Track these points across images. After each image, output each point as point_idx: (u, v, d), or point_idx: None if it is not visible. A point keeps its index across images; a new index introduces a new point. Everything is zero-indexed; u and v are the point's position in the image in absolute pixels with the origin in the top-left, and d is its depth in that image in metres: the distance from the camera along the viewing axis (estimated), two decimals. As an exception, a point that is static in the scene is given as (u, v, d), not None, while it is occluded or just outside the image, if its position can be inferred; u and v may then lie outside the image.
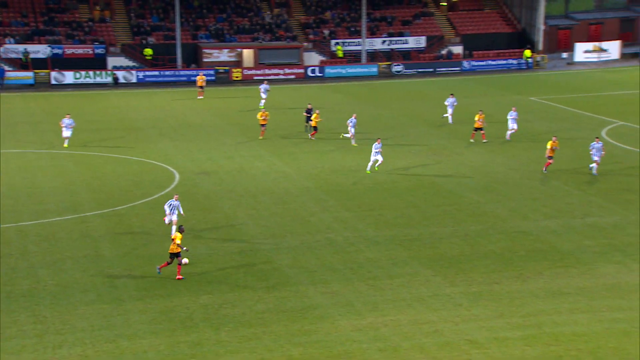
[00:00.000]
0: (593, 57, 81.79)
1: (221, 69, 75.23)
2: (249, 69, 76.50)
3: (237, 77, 75.01)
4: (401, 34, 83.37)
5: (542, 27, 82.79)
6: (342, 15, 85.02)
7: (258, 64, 77.38)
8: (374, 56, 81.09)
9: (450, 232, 31.94)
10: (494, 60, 79.97)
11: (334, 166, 42.76)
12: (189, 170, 42.03)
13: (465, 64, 79.29)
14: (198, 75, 66.40)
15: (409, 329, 23.62)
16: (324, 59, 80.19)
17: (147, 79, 73.32)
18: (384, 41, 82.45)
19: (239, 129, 52.21)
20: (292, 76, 76.42)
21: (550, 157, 39.49)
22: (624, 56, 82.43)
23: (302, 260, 29.32)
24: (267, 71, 75.67)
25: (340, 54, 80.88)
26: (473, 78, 74.70)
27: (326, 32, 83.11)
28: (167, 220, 31.24)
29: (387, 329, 23.70)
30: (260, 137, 48.40)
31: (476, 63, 79.53)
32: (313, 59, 79.77)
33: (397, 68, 78.27)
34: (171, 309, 25.19)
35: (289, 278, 27.71)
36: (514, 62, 79.88)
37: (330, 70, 77.57)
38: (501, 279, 27.10)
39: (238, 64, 77.27)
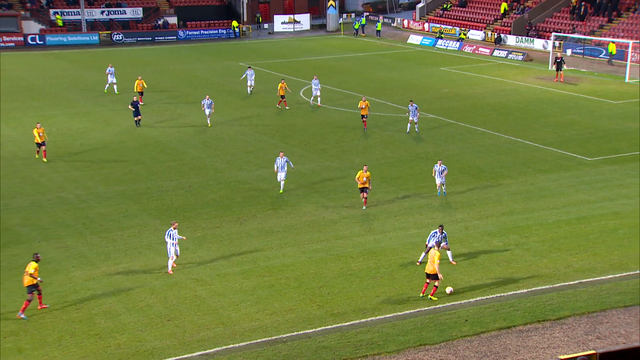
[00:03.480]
0: (289, 28, 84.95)
1: None
2: (-36, 36, 69.04)
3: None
4: (119, 5, 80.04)
5: (245, 0, 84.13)
6: (60, -15, 79.48)
7: (-26, 32, 70.03)
8: (93, 25, 77.11)
9: (175, 185, 31.68)
10: (206, 30, 79.88)
11: (61, 129, 40.24)
12: None
13: (181, 33, 78.33)
14: None
15: (140, 274, 23.24)
16: (44, 27, 74.53)
17: None
18: (103, 11, 78.73)
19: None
20: (12, 44, 70.26)
21: (363, 117, 39.56)
22: (313, 27, 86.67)
23: (34, 219, 27.42)
24: (-17, 38, 68.93)
25: (60, 22, 75.72)
26: (188, 46, 74.05)
27: (43, 1, 77.21)
28: (172, 259, 23.43)
29: (120, 276, 23.10)
30: None
31: (190, 32, 78.91)
32: (32, 27, 73.83)
33: (118, 37, 75.17)
34: None
35: (20, 236, 25.85)
36: (224, 31, 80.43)
37: (51, 39, 72.41)
38: (222, 224, 27.50)
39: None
